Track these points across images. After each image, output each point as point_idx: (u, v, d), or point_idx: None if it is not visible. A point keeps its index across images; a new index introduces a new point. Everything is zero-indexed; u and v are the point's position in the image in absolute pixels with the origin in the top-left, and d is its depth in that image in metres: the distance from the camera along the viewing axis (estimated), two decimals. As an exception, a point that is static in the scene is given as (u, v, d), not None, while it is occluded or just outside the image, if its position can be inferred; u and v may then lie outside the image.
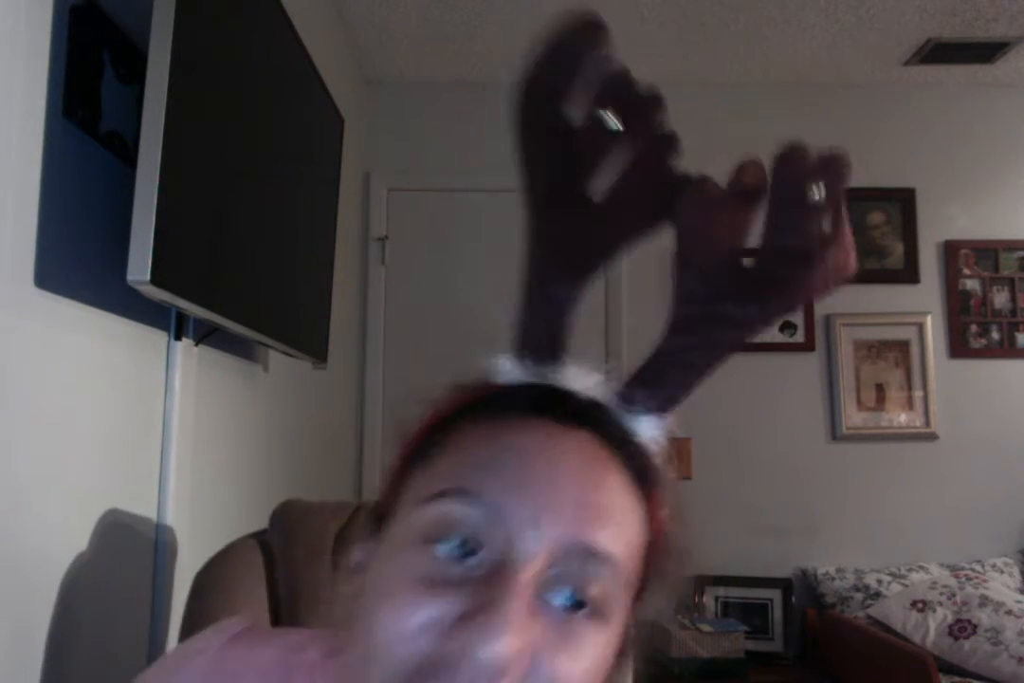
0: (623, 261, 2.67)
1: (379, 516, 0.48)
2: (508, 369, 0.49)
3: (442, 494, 0.43)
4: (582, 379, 0.49)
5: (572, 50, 0.51)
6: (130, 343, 1.21)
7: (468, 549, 0.42)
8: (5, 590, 0.92)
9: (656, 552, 0.49)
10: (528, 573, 0.41)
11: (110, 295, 1.11)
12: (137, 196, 0.99)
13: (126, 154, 1.14)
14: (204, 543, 1.46)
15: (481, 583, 0.41)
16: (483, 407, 0.47)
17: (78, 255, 1.06)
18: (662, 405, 0.52)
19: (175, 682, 0.56)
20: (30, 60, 0.96)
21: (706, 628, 2.54)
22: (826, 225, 0.49)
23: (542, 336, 0.50)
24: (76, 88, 1.04)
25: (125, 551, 1.20)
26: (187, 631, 1.06)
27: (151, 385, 1.28)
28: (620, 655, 0.48)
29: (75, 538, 1.07)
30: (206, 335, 1.40)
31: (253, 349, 1.76)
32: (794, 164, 0.50)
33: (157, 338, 1.29)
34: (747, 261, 0.50)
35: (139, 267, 0.98)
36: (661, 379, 0.52)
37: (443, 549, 0.42)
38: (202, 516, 1.45)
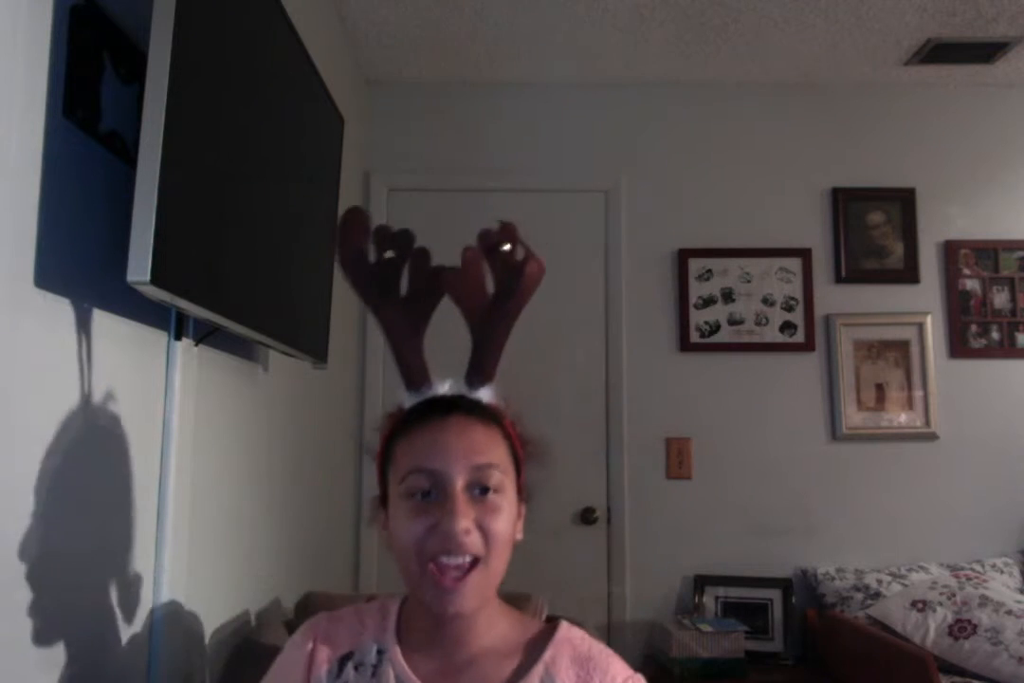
0: (623, 264, 2.64)
1: (382, 498, 0.93)
2: (407, 398, 0.95)
3: (405, 476, 0.87)
4: (447, 387, 0.95)
5: (355, 228, 0.97)
6: (130, 343, 1.21)
7: (428, 492, 0.85)
8: (5, 590, 0.92)
9: (517, 446, 0.94)
10: (458, 488, 0.85)
11: (110, 295, 1.11)
12: (137, 196, 0.99)
13: (126, 154, 1.14)
14: (204, 543, 1.47)
15: (439, 504, 0.85)
16: (404, 422, 0.92)
17: (78, 255, 1.06)
18: (486, 379, 0.96)
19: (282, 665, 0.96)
20: (30, 60, 0.96)
21: (706, 628, 2.55)
22: (519, 255, 0.95)
23: (415, 376, 0.96)
24: (76, 88, 1.04)
25: (126, 550, 1.20)
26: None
27: (151, 385, 1.28)
28: (520, 508, 0.92)
29: (75, 538, 1.07)
30: (206, 335, 1.40)
31: (253, 349, 1.76)
32: (487, 238, 0.95)
33: (157, 338, 1.29)
34: (489, 288, 0.97)
35: (139, 267, 0.98)
36: (479, 366, 0.96)
37: (417, 497, 0.86)
38: (202, 516, 1.45)
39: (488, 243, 0.96)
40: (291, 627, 1.59)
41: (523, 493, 0.93)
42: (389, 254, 0.96)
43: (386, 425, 0.94)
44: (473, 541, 0.83)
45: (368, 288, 0.97)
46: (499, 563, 0.86)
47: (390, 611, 0.95)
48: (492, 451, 0.88)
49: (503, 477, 0.88)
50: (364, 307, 0.98)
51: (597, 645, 0.92)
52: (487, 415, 0.92)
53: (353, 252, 0.96)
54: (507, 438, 0.92)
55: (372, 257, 0.96)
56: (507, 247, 0.95)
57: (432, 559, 0.83)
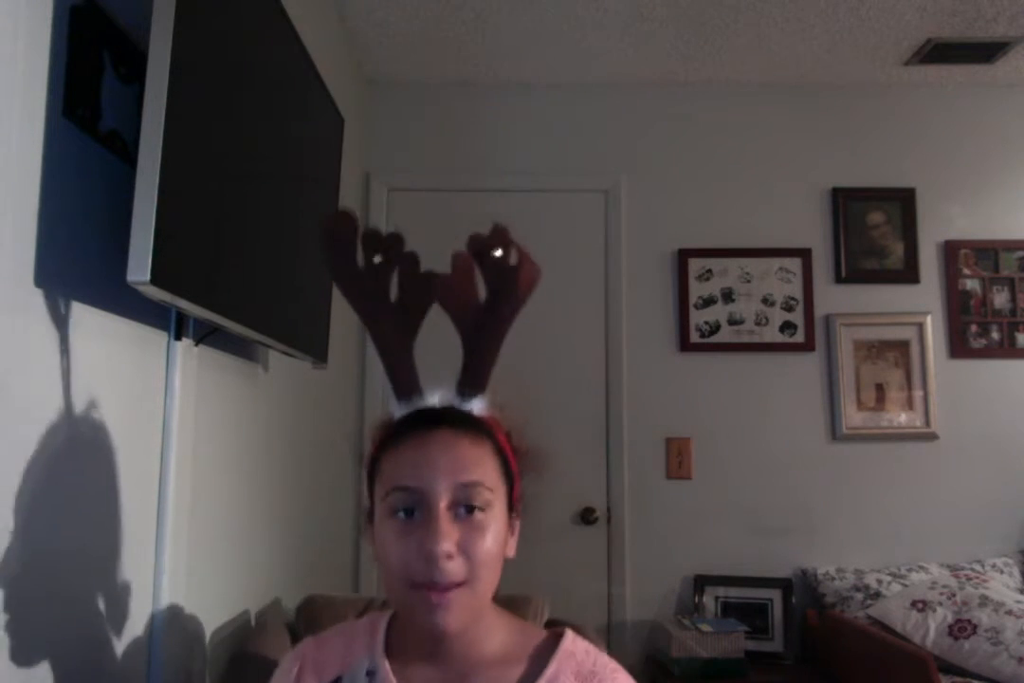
0: (623, 264, 2.63)
1: (369, 512, 0.89)
2: (397, 408, 0.92)
3: (388, 492, 0.84)
4: (437, 397, 0.91)
5: (343, 231, 0.93)
6: (130, 343, 1.21)
7: (412, 511, 0.82)
8: (3, 591, 0.92)
9: (511, 459, 0.90)
10: (441, 507, 0.81)
11: (110, 295, 1.11)
12: (137, 196, 0.99)
13: (126, 154, 1.14)
14: (204, 543, 1.46)
15: (422, 523, 0.81)
16: (390, 436, 0.88)
17: (78, 255, 1.06)
18: (477, 389, 0.92)
19: None
20: (30, 60, 0.96)
21: (706, 628, 2.54)
22: (513, 260, 0.91)
23: (406, 386, 0.93)
24: (76, 88, 1.04)
25: (126, 550, 1.20)
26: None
27: (151, 385, 1.28)
28: (513, 525, 0.89)
29: (75, 539, 1.07)
30: (206, 335, 1.40)
31: (253, 349, 1.76)
32: (477, 243, 0.92)
33: (157, 338, 1.29)
34: (483, 296, 0.94)
35: (139, 267, 0.98)
36: (470, 376, 0.93)
37: (400, 516, 0.82)
38: (202, 516, 1.45)
39: (478, 248, 0.92)
40: (292, 630, 1.60)
41: (517, 508, 0.90)
42: (377, 259, 0.93)
43: (375, 436, 0.91)
44: (455, 567, 0.80)
45: (358, 295, 0.94)
46: (486, 584, 0.83)
47: (378, 627, 0.92)
48: (479, 468, 0.85)
49: (491, 495, 0.84)
50: (354, 315, 0.95)
51: (602, 659, 0.89)
52: (477, 428, 0.88)
53: (342, 257, 0.93)
54: (499, 452, 0.88)
55: (360, 262, 0.93)
56: (499, 252, 0.91)
57: (416, 582, 0.80)
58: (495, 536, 0.83)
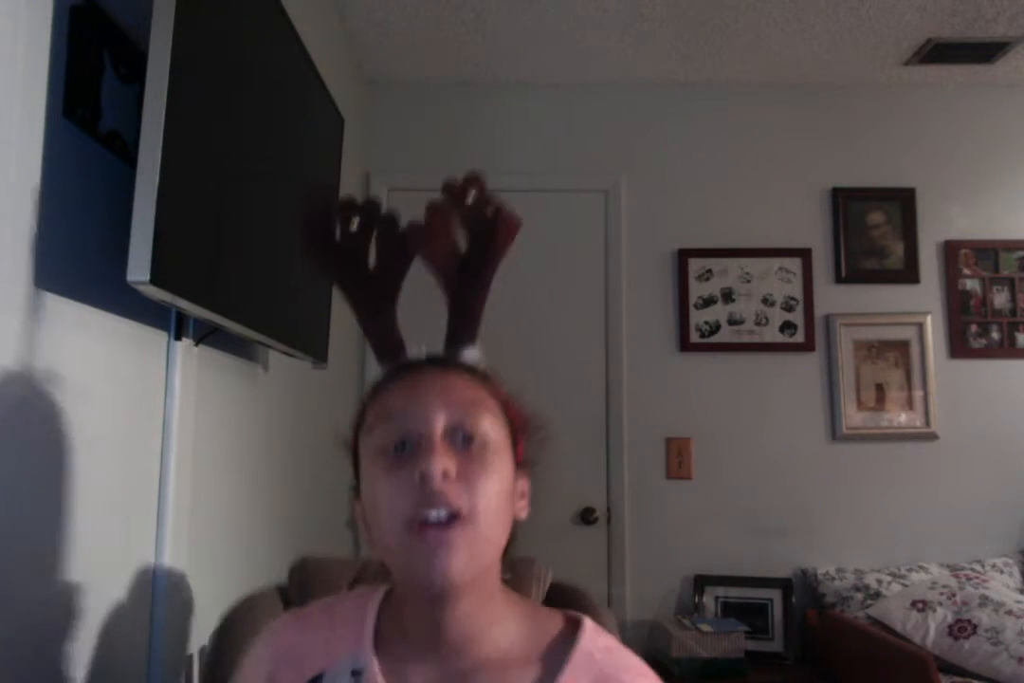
0: (623, 264, 2.64)
1: (356, 489, 0.78)
2: (381, 371, 0.83)
3: (375, 426, 0.75)
4: (423, 350, 0.83)
5: (318, 206, 0.92)
6: (130, 343, 1.21)
7: (403, 445, 0.72)
8: (4, 591, 0.92)
9: (511, 412, 0.80)
10: (436, 431, 0.72)
11: (110, 295, 1.11)
12: (137, 196, 0.99)
13: (126, 154, 1.14)
14: (205, 543, 1.47)
15: (414, 453, 0.71)
16: (377, 389, 0.79)
17: (78, 255, 1.06)
18: (467, 341, 0.86)
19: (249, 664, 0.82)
20: (30, 60, 0.96)
21: (706, 628, 2.54)
22: (490, 210, 0.88)
23: (391, 347, 0.86)
24: (76, 88, 1.04)
25: (125, 550, 1.20)
26: (212, 665, 1.24)
27: (151, 385, 1.28)
28: (520, 483, 0.79)
29: (74, 538, 1.07)
30: (206, 335, 1.40)
31: (253, 349, 1.76)
32: (451, 189, 0.90)
33: (157, 338, 1.29)
34: (461, 246, 0.89)
35: (139, 267, 0.98)
36: (459, 330, 0.87)
37: (390, 453, 0.72)
38: (202, 516, 1.45)
39: (454, 194, 0.88)
40: (284, 594, 1.44)
41: (524, 467, 0.79)
42: (355, 225, 0.88)
43: (363, 397, 0.82)
44: (454, 490, 0.69)
45: (335, 267, 0.89)
46: (489, 526, 0.71)
47: (368, 610, 0.80)
48: (477, 398, 0.76)
49: (494, 429, 0.74)
50: (333, 286, 0.91)
51: (624, 659, 0.77)
52: (471, 371, 0.80)
53: (316, 231, 0.89)
54: (497, 401, 0.79)
55: (338, 234, 0.89)
56: (473, 196, 0.88)
57: (411, 520, 0.69)
58: (500, 475, 0.73)
